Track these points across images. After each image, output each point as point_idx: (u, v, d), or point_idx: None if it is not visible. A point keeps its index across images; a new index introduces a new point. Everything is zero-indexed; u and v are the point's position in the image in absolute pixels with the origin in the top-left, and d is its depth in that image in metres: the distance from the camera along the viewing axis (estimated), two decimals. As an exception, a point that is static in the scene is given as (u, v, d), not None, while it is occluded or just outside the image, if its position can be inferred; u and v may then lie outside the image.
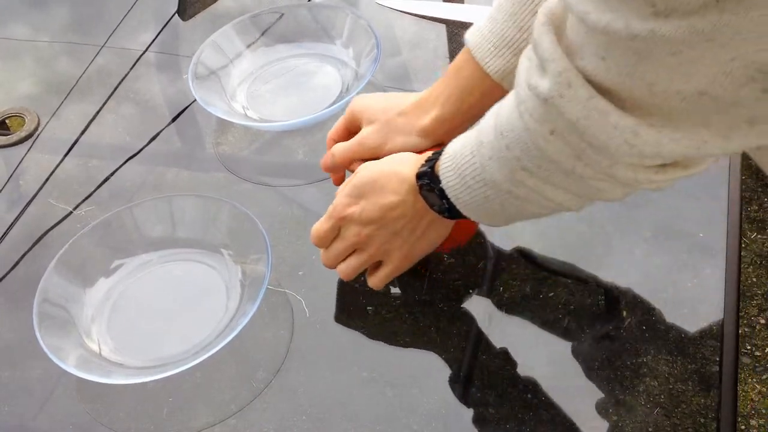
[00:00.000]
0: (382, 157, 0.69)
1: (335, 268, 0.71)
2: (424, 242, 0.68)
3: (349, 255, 0.69)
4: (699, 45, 0.40)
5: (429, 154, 0.65)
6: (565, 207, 0.57)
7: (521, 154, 0.53)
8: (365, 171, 0.67)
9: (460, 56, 0.69)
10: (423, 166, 0.64)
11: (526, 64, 0.52)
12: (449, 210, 0.63)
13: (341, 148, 0.74)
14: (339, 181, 0.77)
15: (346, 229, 0.68)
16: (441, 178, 0.62)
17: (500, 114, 0.55)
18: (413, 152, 0.69)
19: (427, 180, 0.63)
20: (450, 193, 0.61)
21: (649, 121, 0.46)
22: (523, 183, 0.55)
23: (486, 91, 0.68)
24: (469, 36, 0.69)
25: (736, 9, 0.37)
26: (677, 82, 0.43)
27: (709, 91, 0.43)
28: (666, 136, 0.46)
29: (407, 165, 0.66)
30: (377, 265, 0.70)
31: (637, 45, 0.42)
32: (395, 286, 0.75)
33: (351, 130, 0.75)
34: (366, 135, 0.72)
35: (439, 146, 0.68)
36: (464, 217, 0.63)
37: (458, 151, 0.60)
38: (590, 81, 0.47)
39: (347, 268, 0.70)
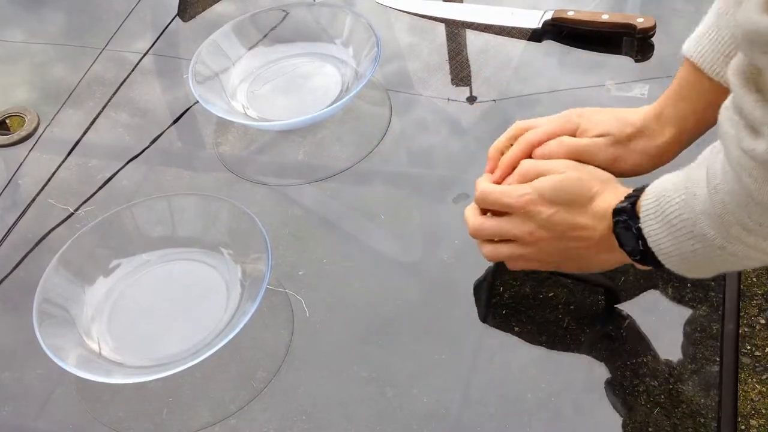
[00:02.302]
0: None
1: (479, 239, 0.68)
2: (583, 267, 0.67)
3: (504, 240, 0.67)
4: None
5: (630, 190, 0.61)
6: None
7: (739, 211, 0.51)
8: (572, 178, 0.64)
9: (685, 70, 0.66)
10: (623, 201, 0.60)
11: (730, 124, 0.49)
12: (642, 254, 0.60)
13: (567, 141, 0.68)
14: (494, 170, 0.71)
15: (520, 222, 0.64)
16: (641, 220, 0.58)
17: (713, 168, 0.52)
18: (641, 173, 0.67)
19: (625, 217, 0.59)
20: (651, 240, 0.58)
21: None
22: (740, 239, 0.53)
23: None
24: (691, 48, 0.65)
25: None
26: None
27: None
28: None
29: (612, 194, 0.63)
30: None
31: None
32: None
33: (558, 134, 0.70)
34: (598, 145, 0.68)
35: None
36: (657, 266, 0.59)
37: (664, 195, 0.57)
38: None
39: (495, 254, 0.67)
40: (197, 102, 0.89)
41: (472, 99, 0.92)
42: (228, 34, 0.97)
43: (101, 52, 1.06)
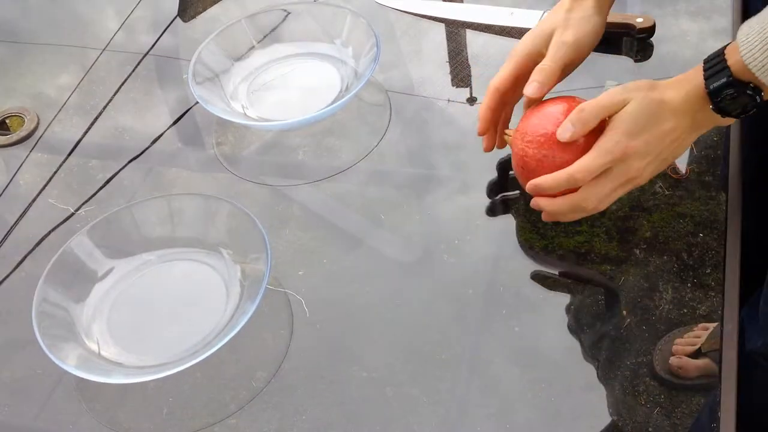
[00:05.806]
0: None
1: (599, 205, 0.68)
2: (679, 155, 0.69)
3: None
4: None
5: (685, 76, 0.65)
6: None
7: None
8: (637, 100, 0.65)
9: None
10: (712, 80, 0.63)
11: None
12: (757, 106, 0.62)
13: (549, 61, 0.73)
14: (491, 141, 0.76)
15: (626, 165, 0.65)
16: (756, 72, 0.60)
17: None
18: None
19: (732, 91, 0.61)
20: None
21: None
22: None
23: None
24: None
25: None
26: None
27: None
28: None
29: (665, 90, 0.65)
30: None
31: None
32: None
33: (521, 65, 0.75)
34: (565, 39, 0.74)
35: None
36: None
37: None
38: None
39: (608, 199, 0.67)
40: (197, 102, 0.89)
41: (472, 100, 0.92)
42: (228, 34, 0.97)
43: (102, 53, 1.06)
